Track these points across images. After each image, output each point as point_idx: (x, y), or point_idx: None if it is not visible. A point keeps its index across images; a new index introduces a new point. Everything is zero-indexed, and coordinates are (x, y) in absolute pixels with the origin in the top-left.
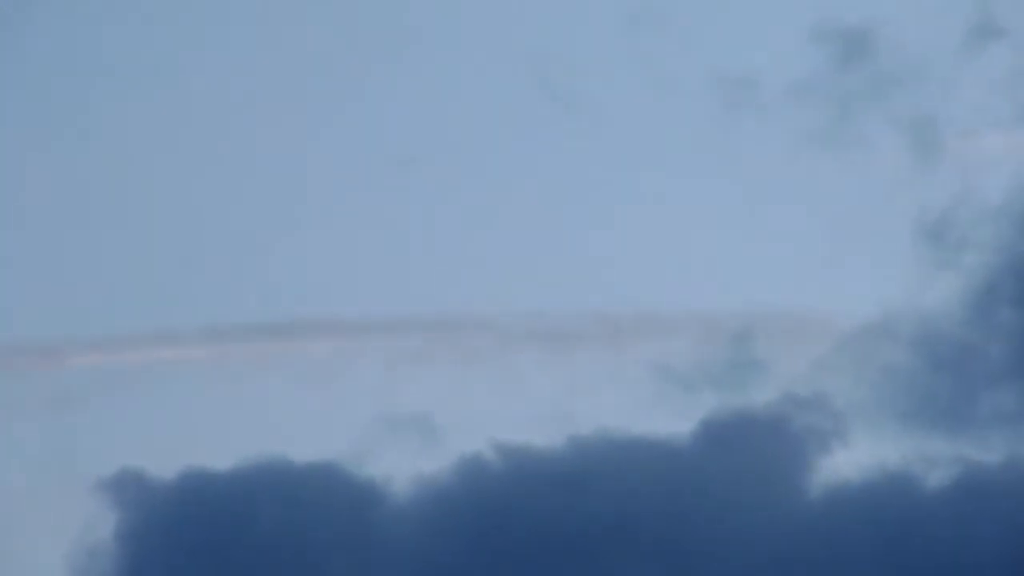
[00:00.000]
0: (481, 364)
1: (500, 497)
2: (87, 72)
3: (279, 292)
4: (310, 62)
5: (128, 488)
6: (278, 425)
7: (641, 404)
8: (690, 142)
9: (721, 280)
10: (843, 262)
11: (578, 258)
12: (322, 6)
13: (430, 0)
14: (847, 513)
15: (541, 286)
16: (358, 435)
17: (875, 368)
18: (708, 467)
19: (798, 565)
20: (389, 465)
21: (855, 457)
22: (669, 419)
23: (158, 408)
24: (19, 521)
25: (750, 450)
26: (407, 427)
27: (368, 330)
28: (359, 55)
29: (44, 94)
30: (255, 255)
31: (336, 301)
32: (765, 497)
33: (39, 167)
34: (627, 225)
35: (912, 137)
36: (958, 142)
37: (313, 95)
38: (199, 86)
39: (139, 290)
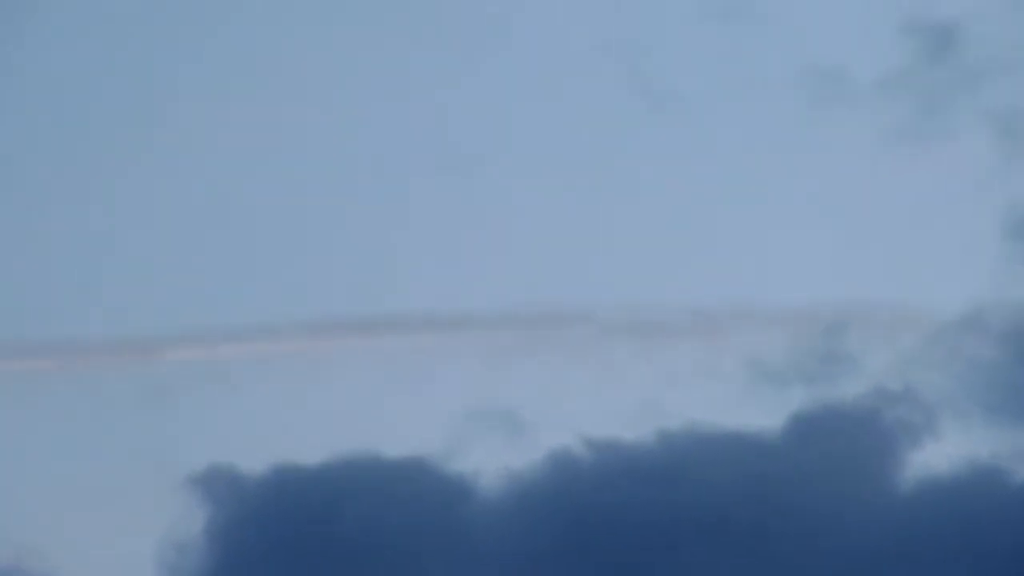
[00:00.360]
0: (575, 358)
1: (588, 491)
2: (191, 69)
3: (375, 287)
4: (401, 54)
5: (219, 483)
6: (369, 420)
7: (732, 398)
8: (778, 136)
9: (812, 274)
10: (932, 256)
11: (673, 252)
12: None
13: None
14: (937, 507)
15: (637, 280)
16: (449, 430)
17: (965, 361)
18: (798, 461)
19: (888, 559)
20: (478, 460)
21: (945, 451)
22: (759, 413)
23: (251, 402)
24: (111, 516)
25: (840, 444)
26: (497, 421)
27: (463, 325)
28: (453, 46)
29: (140, 90)
30: (351, 249)
31: (432, 296)
32: (855, 491)
33: (138, 163)
34: (719, 220)
35: (1001, 130)
36: None
37: (404, 87)
38: (291, 84)
39: (236, 284)
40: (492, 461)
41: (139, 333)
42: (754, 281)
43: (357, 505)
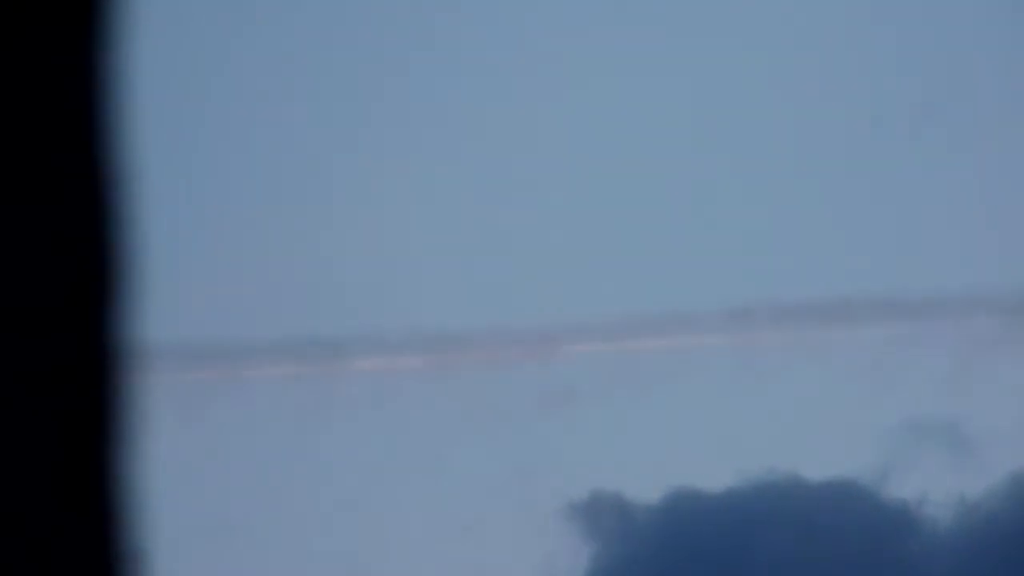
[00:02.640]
0: None
1: None
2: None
3: (827, 268)
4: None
5: (604, 513)
6: (789, 432)
7: None
8: None
9: None
10: None
11: None
12: None
13: None
14: None
15: None
16: (889, 444)
17: None
18: None
19: None
20: (926, 483)
21: None
22: None
23: (664, 405)
24: (473, 549)
25: None
26: (949, 434)
27: (933, 312)
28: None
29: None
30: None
31: (899, 277)
32: None
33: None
34: None
35: None
36: None
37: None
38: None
39: (651, 267)
40: (943, 485)
41: (536, 324)
42: None
43: (771, 541)
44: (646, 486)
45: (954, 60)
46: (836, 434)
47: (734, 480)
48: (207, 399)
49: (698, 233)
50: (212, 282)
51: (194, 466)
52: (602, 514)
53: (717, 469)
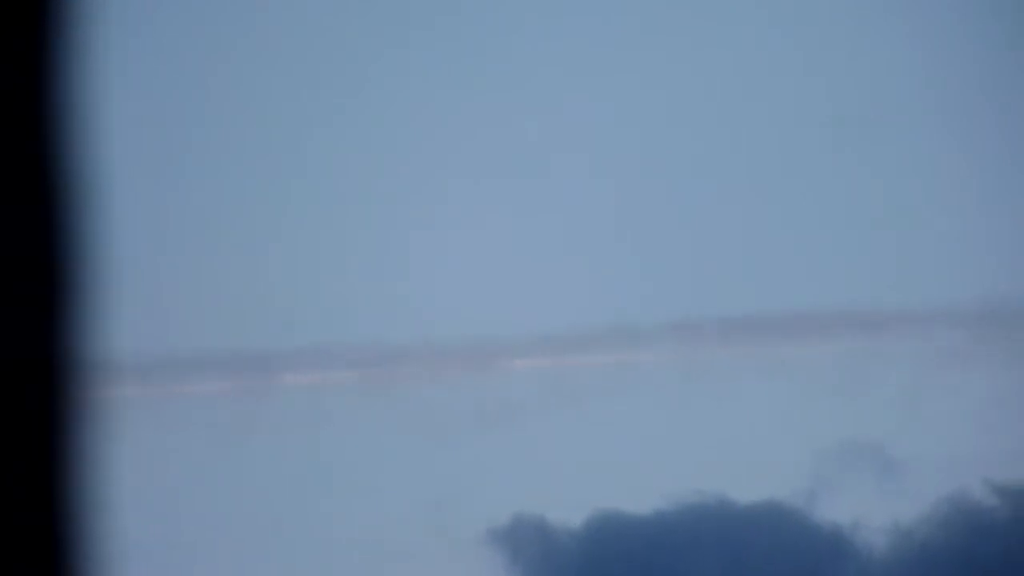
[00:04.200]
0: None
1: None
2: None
3: (773, 282)
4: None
5: (526, 536)
6: (729, 452)
7: None
8: None
9: None
10: None
11: None
12: None
13: None
14: None
15: None
16: (820, 466)
17: None
18: None
19: None
20: (855, 506)
21: None
22: None
23: (597, 423)
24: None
25: None
26: (878, 457)
27: (888, 326)
28: None
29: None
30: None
31: (851, 289)
32: None
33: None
34: None
35: None
36: None
37: None
38: None
39: (596, 280)
40: (869, 507)
41: (479, 339)
42: None
43: (698, 565)
44: (572, 508)
45: (915, 71)
46: (770, 454)
47: (661, 502)
48: (136, 414)
49: (647, 244)
50: (142, 296)
51: (122, 482)
52: (524, 539)
53: (646, 490)
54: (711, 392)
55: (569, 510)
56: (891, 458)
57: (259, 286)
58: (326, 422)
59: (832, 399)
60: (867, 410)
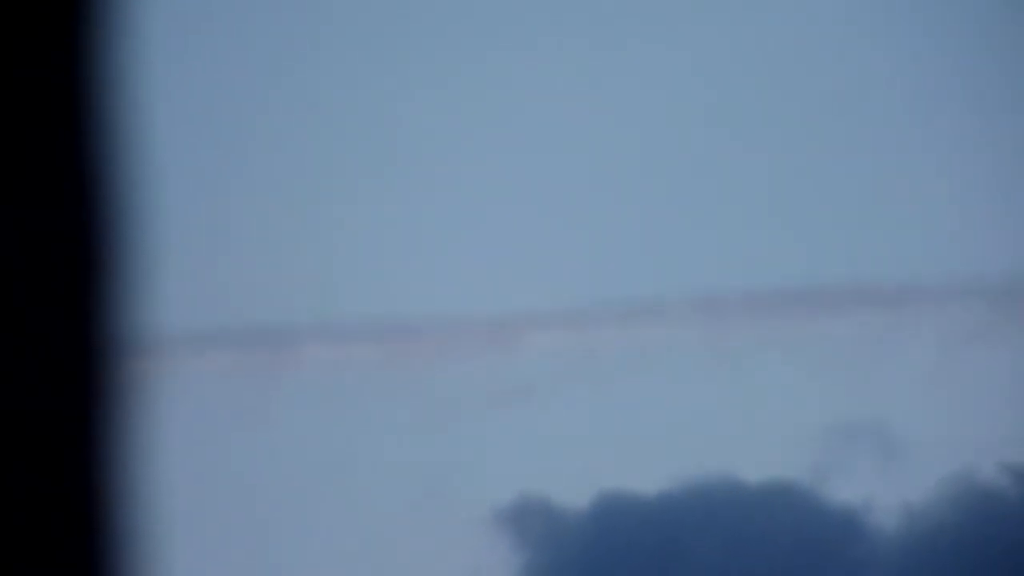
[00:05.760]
0: None
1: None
2: None
3: (803, 255)
4: None
5: (531, 519)
6: (741, 430)
7: None
8: None
9: None
10: None
11: None
12: None
13: None
14: None
15: None
16: (831, 445)
17: None
18: None
19: None
20: (862, 486)
21: None
22: None
23: (612, 401)
24: (395, 556)
25: None
26: (882, 436)
27: (909, 301)
28: None
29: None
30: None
31: (880, 262)
32: None
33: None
34: None
35: None
36: None
37: None
38: None
39: (615, 254)
40: (875, 487)
41: (492, 313)
42: None
43: (704, 546)
44: (579, 488)
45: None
46: (780, 433)
47: (667, 482)
48: (154, 389)
49: (663, 219)
50: (163, 271)
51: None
52: (530, 520)
53: (655, 470)
54: (728, 369)
55: (576, 490)
56: (904, 438)
57: (276, 261)
58: (340, 398)
59: (847, 377)
60: (881, 388)
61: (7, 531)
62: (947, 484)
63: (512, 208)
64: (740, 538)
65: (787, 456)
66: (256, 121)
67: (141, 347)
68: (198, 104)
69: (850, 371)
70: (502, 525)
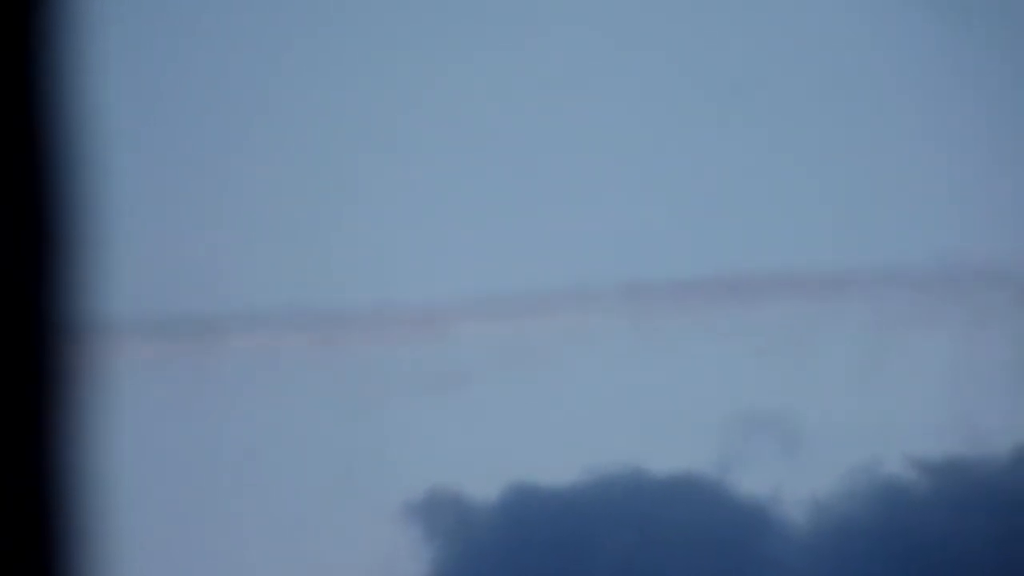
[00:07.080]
0: (988, 327)
1: (923, 531)
2: None
3: (726, 244)
4: None
5: (441, 511)
6: (653, 421)
7: None
8: None
9: None
10: None
11: None
12: None
13: None
14: None
15: None
16: (740, 436)
17: None
18: None
19: None
20: (766, 477)
21: None
22: None
23: (528, 391)
24: (310, 548)
25: None
26: (783, 427)
27: (842, 287)
28: None
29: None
30: (686, 203)
31: (801, 251)
32: None
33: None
34: None
35: None
36: None
37: None
38: None
39: (545, 242)
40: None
41: (423, 302)
42: None
43: (614, 538)
44: (490, 479)
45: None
46: (692, 424)
47: (577, 474)
48: (98, 375)
49: (592, 207)
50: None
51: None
52: (440, 512)
53: (565, 461)
54: (654, 357)
55: (487, 482)
56: (814, 429)
57: (205, 249)
58: (268, 387)
59: (764, 366)
60: (799, 378)
61: None
62: (854, 476)
63: (442, 197)
64: (648, 530)
65: (697, 446)
66: (193, 109)
67: (88, 333)
68: (150, 95)
69: (769, 360)
70: (413, 517)
